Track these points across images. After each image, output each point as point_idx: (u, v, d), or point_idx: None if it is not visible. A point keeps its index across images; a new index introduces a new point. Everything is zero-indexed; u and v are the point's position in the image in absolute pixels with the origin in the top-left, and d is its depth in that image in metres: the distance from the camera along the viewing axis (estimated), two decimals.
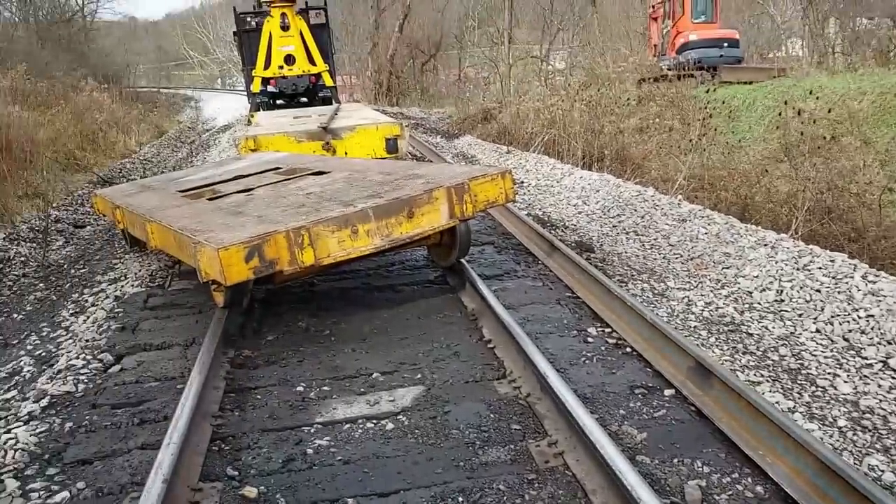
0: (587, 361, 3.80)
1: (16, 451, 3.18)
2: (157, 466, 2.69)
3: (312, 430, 3.27)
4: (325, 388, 3.69)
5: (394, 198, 4.21)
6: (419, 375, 3.76)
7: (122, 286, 5.78)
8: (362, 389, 3.64)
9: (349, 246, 4.00)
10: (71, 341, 4.66)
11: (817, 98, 8.68)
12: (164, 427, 3.11)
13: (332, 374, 3.84)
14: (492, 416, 3.28)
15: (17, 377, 4.20)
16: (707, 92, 10.60)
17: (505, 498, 2.70)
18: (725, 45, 17.09)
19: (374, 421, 3.31)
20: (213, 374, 3.69)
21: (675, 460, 2.84)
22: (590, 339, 4.09)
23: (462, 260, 5.09)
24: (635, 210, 7.49)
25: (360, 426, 3.28)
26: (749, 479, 2.72)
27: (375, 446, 3.10)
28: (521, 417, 3.27)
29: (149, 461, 2.87)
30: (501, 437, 3.11)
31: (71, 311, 5.36)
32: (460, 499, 2.70)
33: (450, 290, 5.07)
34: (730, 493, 2.68)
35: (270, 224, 3.96)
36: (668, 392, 3.39)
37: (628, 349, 3.91)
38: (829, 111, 7.92)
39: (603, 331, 4.20)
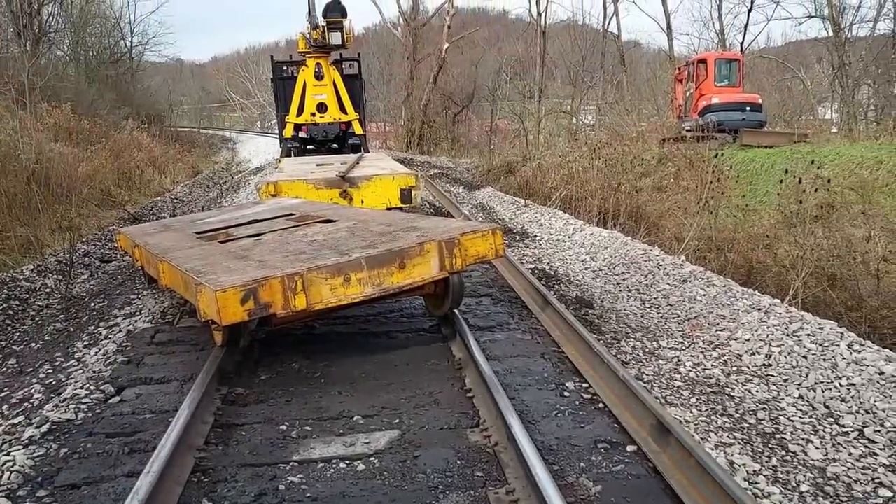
0: (559, 415, 3.91)
1: (12, 472, 3.40)
2: (134, 493, 2.89)
3: (288, 467, 3.43)
4: (307, 427, 3.86)
5: (387, 249, 4.44)
6: (397, 420, 3.90)
7: (136, 321, 6.05)
8: (341, 431, 3.80)
9: (341, 293, 4.22)
10: (81, 372, 4.91)
11: (818, 168, 8.82)
12: (150, 457, 3.28)
13: (316, 415, 4.00)
14: (459, 462, 3.42)
15: (26, 403, 4.45)
16: (716, 156, 10.76)
17: None
18: (748, 108, 17.31)
19: (347, 461, 3.46)
20: (202, 410, 3.88)
21: None
22: (566, 394, 4.20)
23: (455, 310, 5.27)
24: (640, 268, 7.62)
25: (333, 466, 3.44)
26: None
27: (344, 485, 3.26)
28: (485, 465, 3.39)
29: (132, 488, 3.03)
30: (464, 483, 3.24)
31: (85, 343, 5.63)
32: None
33: (441, 339, 5.23)
34: None
35: (269, 269, 4.20)
36: (630, 448, 3.49)
37: (601, 405, 4.01)
38: (829, 181, 8.05)
39: (580, 385, 4.31)
